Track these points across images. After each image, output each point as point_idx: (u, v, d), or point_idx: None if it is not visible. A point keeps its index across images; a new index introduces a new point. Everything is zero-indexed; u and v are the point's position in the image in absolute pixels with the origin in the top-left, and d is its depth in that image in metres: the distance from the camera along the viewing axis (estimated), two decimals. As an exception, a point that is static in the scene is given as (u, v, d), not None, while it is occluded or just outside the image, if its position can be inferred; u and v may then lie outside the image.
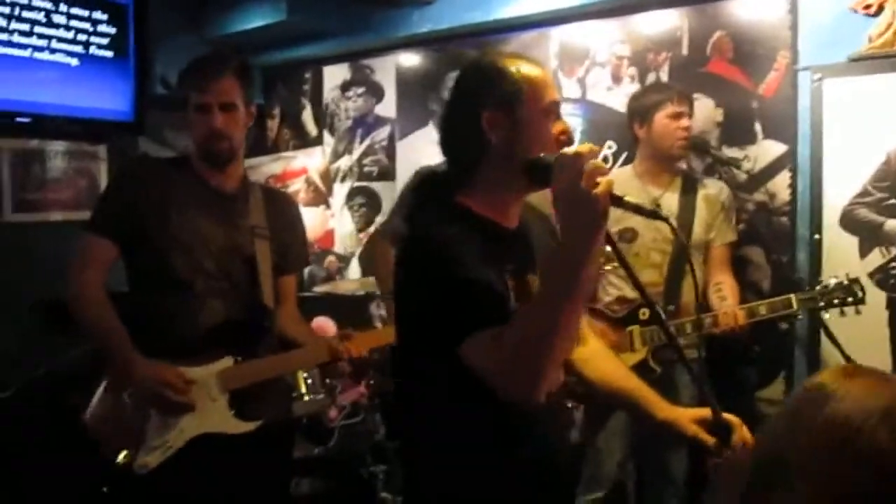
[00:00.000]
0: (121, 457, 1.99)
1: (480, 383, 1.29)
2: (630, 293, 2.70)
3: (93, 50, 3.75)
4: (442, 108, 1.57)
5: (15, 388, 3.09)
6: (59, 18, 3.61)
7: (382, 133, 4.03)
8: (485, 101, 1.42)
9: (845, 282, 2.42)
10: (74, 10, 3.65)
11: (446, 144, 1.51)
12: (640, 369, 2.54)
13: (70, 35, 3.66)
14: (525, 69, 1.44)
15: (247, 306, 2.17)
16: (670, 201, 2.73)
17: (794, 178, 2.72)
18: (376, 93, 4.03)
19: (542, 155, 1.35)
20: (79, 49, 3.70)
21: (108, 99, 3.84)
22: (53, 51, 3.61)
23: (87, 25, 3.72)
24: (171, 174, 2.18)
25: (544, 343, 1.23)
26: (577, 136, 3.32)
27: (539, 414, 1.39)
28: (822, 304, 2.43)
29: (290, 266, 2.39)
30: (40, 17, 3.55)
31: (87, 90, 3.75)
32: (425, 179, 1.54)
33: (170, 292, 2.09)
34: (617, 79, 3.26)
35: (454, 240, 1.36)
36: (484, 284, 1.32)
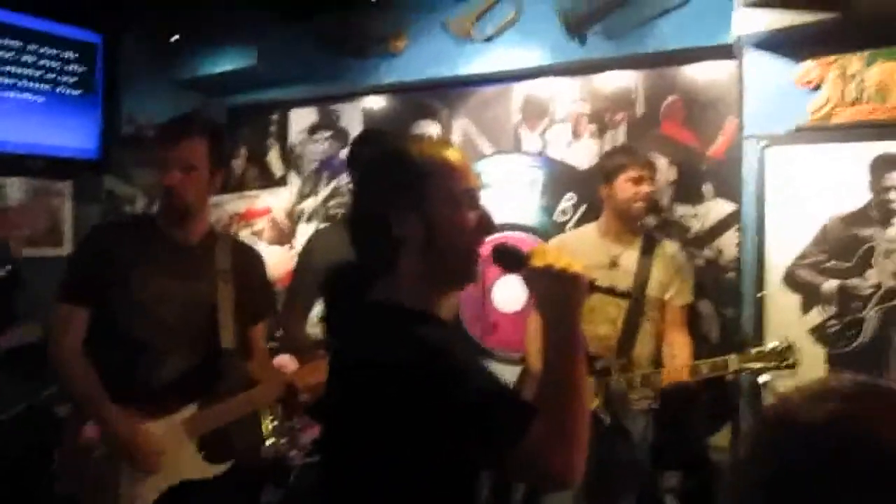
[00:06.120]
0: None
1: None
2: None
3: (60, 88, 3.77)
4: (349, 205, 1.44)
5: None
6: (27, 58, 3.64)
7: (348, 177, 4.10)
8: (391, 199, 1.30)
9: (780, 347, 2.53)
10: (44, 50, 3.69)
11: (357, 243, 1.37)
12: (591, 420, 2.64)
13: (38, 73, 3.69)
14: (433, 159, 1.32)
15: (206, 352, 2.22)
16: (629, 259, 2.86)
17: (740, 236, 2.87)
18: (343, 137, 4.12)
19: (509, 244, 1.38)
20: (46, 87, 3.72)
21: (75, 136, 3.86)
22: (22, 89, 3.63)
23: (55, 64, 3.75)
24: (134, 235, 2.23)
25: (580, 419, 1.29)
26: (537, 190, 3.46)
27: None
28: (758, 366, 2.55)
29: (257, 315, 2.43)
30: (9, 55, 3.58)
31: (52, 127, 3.77)
32: (341, 276, 1.41)
33: (130, 350, 2.14)
34: (577, 135, 3.40)
35: (449, 346, 1.24)
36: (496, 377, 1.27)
